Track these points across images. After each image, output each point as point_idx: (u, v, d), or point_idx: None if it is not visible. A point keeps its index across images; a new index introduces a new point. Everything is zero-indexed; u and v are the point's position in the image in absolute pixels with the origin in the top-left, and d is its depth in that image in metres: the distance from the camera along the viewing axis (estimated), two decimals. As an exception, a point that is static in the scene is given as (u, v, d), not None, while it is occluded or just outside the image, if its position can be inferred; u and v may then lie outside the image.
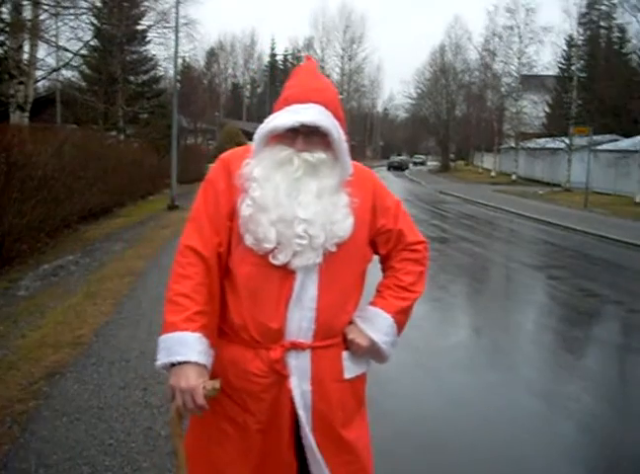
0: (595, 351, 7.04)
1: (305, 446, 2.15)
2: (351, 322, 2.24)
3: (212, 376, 2.11)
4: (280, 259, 2.05)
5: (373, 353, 2.29)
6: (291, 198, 2.07)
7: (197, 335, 2.01)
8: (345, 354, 2.22)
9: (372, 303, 2.30)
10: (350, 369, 2.23)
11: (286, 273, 2.07)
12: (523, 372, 5.96)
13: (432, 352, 6.42)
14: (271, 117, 2.13)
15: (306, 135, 2.08)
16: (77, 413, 4.58)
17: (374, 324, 2.25)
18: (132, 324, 6.87)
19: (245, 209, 2.08)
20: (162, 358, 2.02)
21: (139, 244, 12.76)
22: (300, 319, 2.09)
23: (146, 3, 28.56)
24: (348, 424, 2.23)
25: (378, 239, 2.28)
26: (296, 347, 2.11)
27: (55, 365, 5.50)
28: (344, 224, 2.10)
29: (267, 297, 2.08)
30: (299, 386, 2.12)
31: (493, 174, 53.17)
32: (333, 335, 2.17)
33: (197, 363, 1.99)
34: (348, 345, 2.22)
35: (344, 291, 2.18)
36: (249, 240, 2.07)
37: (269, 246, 2.04)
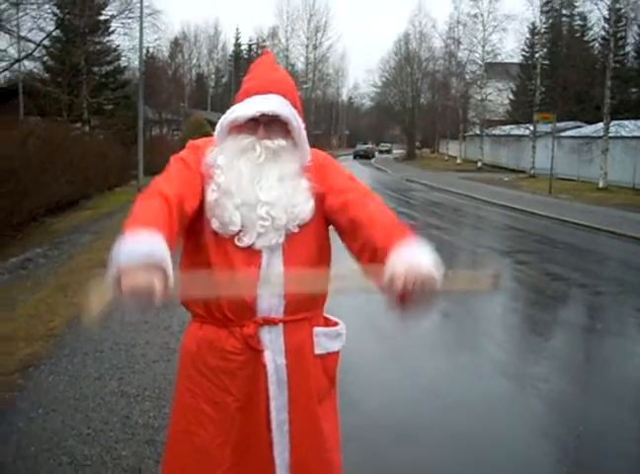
0: (561, 332, 7.19)
1: (272, 423, 2.20)
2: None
3: (189, 358, 2.21)
4: (244, 241, 2.15)
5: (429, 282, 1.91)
6: (254, 183, 2.17)
7: (155, 232, 1.81)
8: (316, 330, 2.30)
9: (390, 248, 1.95)
10: (321, 345, 2.31)
11: (252, 252, 2.16)
12: (493, 355, 6.08)
13: (400, 338, 6.50)
14: (232, 108, 2.23)
15: (267, 124, 2.19)
16: (53, 404, 4.59)
17: (419, 251, 1.96)
18: (104, 315, 6.85)
19: (210, 194, 2.17)
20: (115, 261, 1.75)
21: (107, 236, 12.63)
22: (270, 295, 2.18)
23: (109, -8, 28.32)
24: (319, 402, 2.31)
25: (327, 198, 2.23)
26: (269, 322, 2.19)
27: (29, 358, 5.48)
28: (305, 207, 2.21)
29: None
30: (273, 360, 2.20)
31: (459, 161, 53.46)
32: (303, 309, 2.25)
33: (158, 256, 1.76)
34: (402, 279, 1.85)
35: (309, 267, 2.24)
36: (215, 224, 2.16)
37: (234, 229, 2.14)
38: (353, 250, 2.16)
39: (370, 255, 2.05)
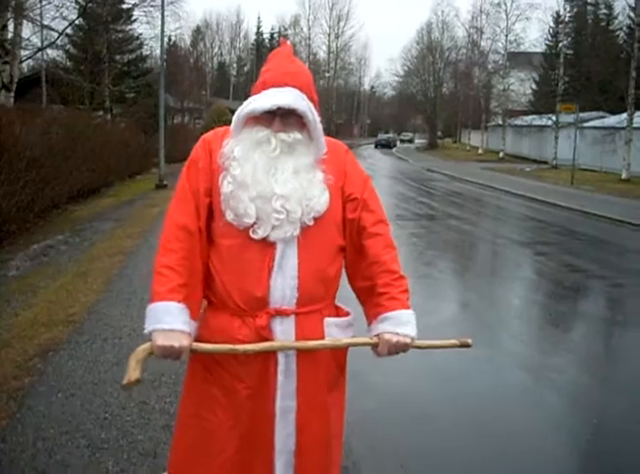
0: (579, 324, 7.18)
1: (276, 411, 2.23)
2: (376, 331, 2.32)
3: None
4: (259, 233, 2.17)
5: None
6: (269, 176, 2.19)
7: (181, 305, 2.15)
8: (327, 320, 2.31)
9: (390, 307, 2.32)
10: (331, 336, 2.31)
11: (267, 244, 2.19)
12: (510, 347, 6.08)
13: (418, 327, 6.49)
14: (249, 99, 2.25)
15: (283, 117, 2.21)
16: (72, 388, 4.65)
17: (407, 323, 2.38)
18: (124, 302, 6.94)
19: (226, 186, 2.20)
20: (150, 325, 2.15)
21: (128, 223, 12.77)
22: (284, 287, 2.20)
23: (131, -19, 28.34)
24: (329, 391, 2.34)
25: (346, 205, 2.33)
26: (281, 313, 2.22)
27: (49, 343, 5.56)
28: (320, 199, 2.23)
29: (250, 268, 2.20)
30: (284, 351, 2.22)
31: (480, 151, 53.19)
32: (315, 301, 2.27)
33: (182, 331, 2.13)
34: (386, 349, 2.30)
35: (323, 261, 2.28)
36: (230, 216, 2.19)
37: (249, 221, 2.17)
38: (349, 268, 2.42)
39: (364, 288, 2.36)
